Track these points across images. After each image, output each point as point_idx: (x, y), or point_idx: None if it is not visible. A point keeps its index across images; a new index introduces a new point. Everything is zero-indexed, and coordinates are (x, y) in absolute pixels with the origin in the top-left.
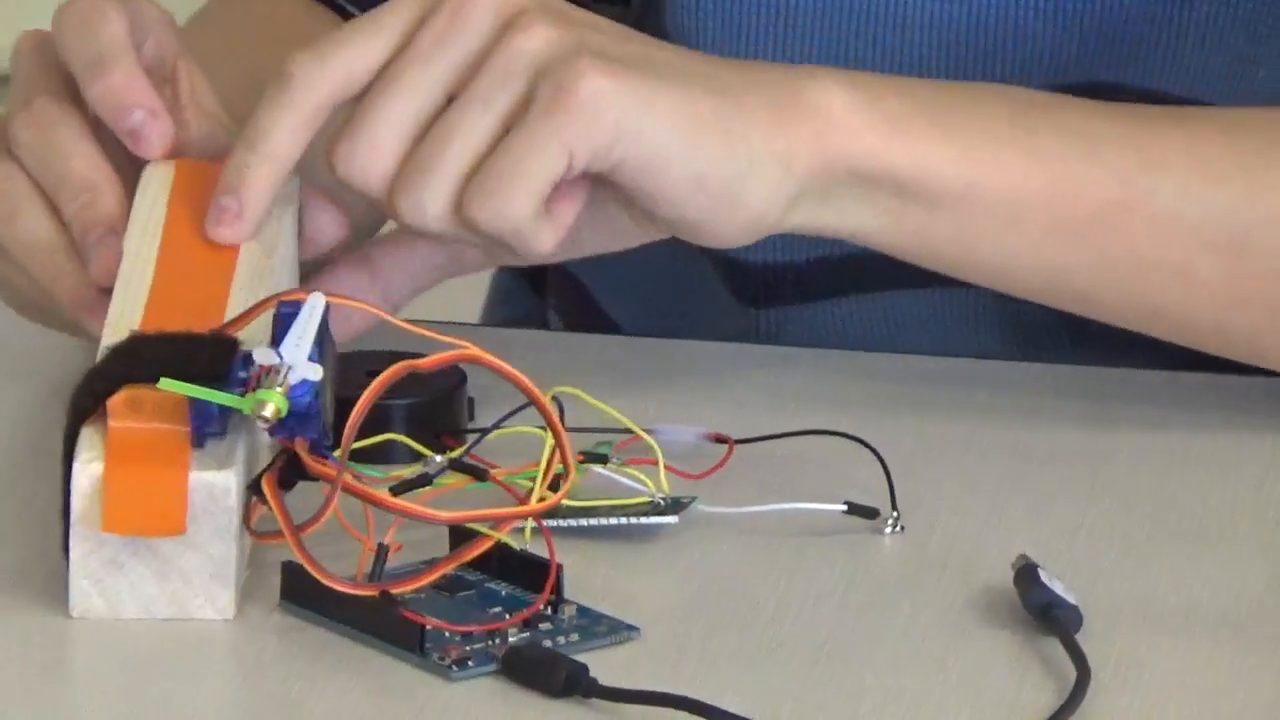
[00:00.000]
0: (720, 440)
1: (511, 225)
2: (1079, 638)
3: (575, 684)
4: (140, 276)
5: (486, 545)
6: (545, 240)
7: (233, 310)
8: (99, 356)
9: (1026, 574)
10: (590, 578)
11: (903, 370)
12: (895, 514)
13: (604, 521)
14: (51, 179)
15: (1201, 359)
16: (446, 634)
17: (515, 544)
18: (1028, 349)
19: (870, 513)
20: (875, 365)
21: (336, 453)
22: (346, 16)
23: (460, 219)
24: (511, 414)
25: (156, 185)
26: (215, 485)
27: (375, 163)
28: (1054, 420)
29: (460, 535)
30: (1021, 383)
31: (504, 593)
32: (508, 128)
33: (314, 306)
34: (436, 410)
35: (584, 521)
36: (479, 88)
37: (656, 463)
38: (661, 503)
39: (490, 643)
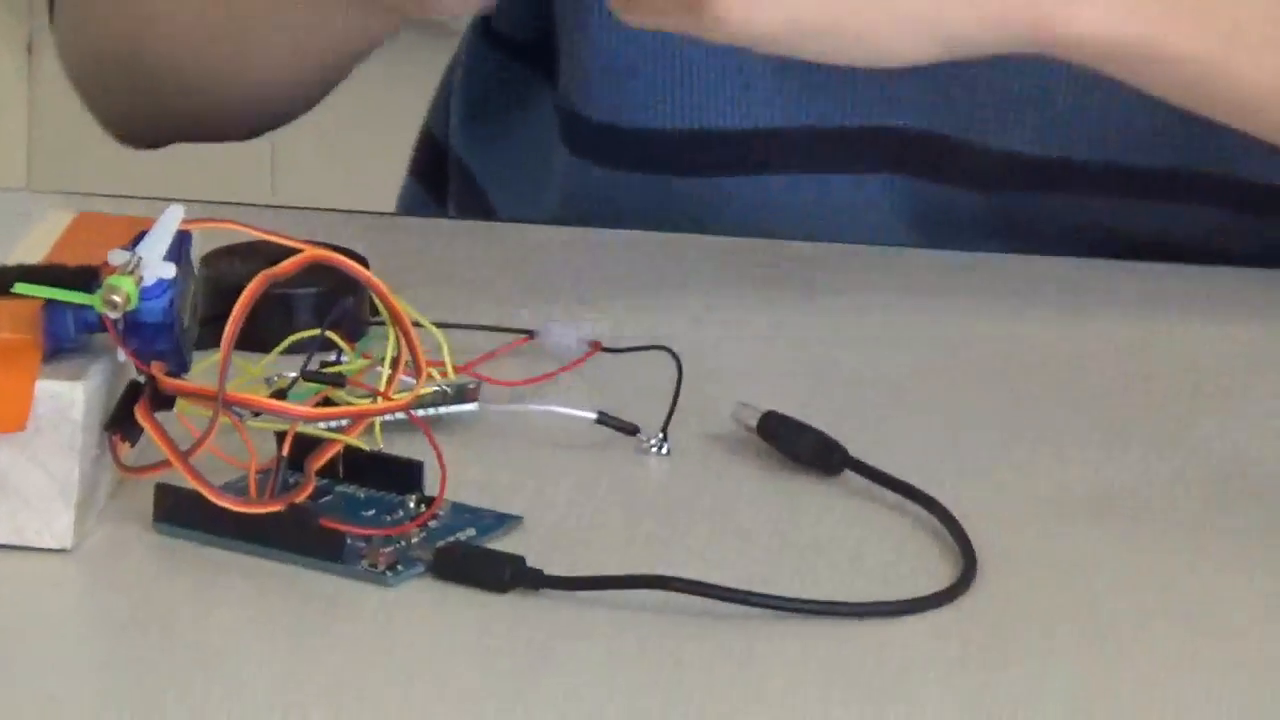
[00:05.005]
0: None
1: None
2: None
3: (521, 576)
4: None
5: (338, 447)
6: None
7: None
8: None
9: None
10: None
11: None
12: (661, 435)
13: (427, 413)
14: None
15: (1121, 250)
16: (350, 539)
17: (366, 445)
18: (956, 244)
19: (628, 428)
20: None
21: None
22: None
23: None
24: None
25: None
26: (61, 396)
27: None
28: (967, 310)
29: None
30: (933, 269)
31: (363, 495)
32: None
33: (171, 215)
34: (330, 304)
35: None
36: None
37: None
38: (449, 390)
39: (400, 544)
